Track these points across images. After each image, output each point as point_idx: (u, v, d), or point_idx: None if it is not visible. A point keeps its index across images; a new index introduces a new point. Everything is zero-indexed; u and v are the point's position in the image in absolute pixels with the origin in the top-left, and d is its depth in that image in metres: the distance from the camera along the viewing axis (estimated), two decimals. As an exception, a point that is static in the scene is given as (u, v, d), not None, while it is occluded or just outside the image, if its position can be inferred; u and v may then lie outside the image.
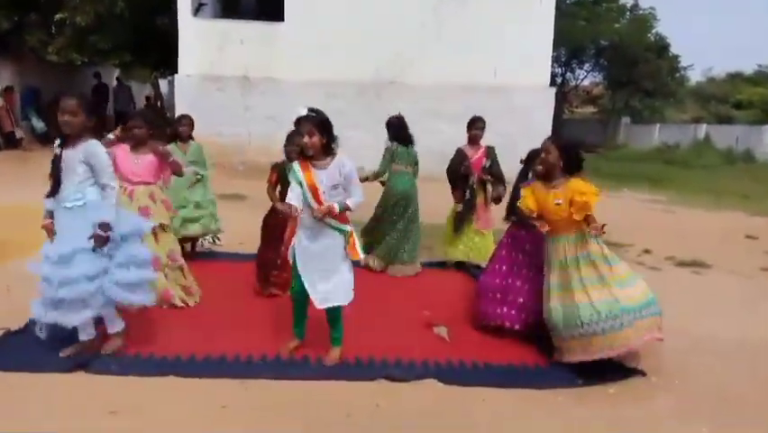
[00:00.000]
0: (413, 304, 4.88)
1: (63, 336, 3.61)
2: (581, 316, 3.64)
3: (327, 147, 3.57)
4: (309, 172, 3.56)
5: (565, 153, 3.78)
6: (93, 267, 3.38)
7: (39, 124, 14.41)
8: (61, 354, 3.55)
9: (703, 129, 22.38)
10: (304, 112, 3.52)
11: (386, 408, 3.23)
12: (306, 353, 3.79)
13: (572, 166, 3.81)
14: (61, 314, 3.40)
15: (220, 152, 10.67)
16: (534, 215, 3.89)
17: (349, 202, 3.60)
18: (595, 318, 3.61)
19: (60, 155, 3.44)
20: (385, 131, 5.97)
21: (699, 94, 31.68)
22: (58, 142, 3.50)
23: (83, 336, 3.59)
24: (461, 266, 6.09)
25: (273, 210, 4.91)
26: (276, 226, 4.71)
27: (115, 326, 3.66)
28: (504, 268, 4.37)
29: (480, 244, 5.92)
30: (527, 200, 3.91)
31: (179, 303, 4.53)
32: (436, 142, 11.61)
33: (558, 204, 3.76)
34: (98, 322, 3.62)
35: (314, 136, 3.49)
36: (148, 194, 4.46)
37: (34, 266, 3.45)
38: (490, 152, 5.90)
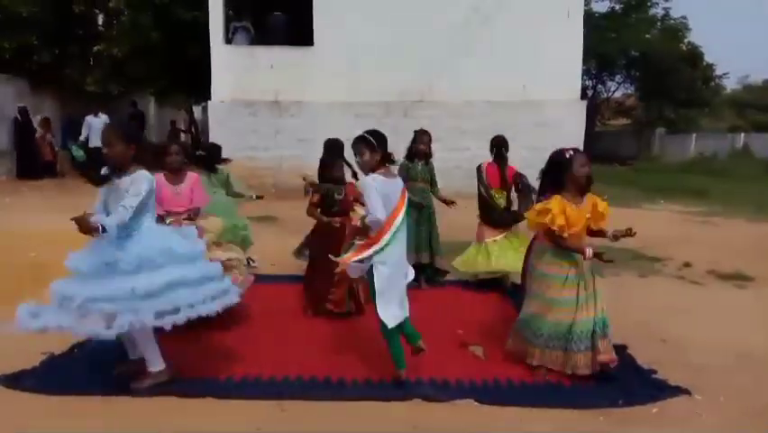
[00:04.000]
0: (446, 323, 4.84)
1: (105, 358, 3.70)
2: (583, 330, 3.66)
3: (381, 163, 3.65)
4: None
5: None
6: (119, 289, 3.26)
7: (78, 153, 14.88)
8: (116, 372, 3.65)
9: (741, 138, 21.84)
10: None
11: (423, 428, 3.21)
12: (341, 374, 3.79)
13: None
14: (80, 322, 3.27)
15: (253, 175, 10.85)
16: (566, 235, 3.66)
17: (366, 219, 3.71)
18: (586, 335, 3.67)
19: (112, 185, 3.45)
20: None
21: (735, 102, 30.96)
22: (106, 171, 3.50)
23: (132, 356, 3.69)
24: (498, 283, 5.96)
25: (318, 228, 5.13)
26: (325, 244, 4.73)
27: (154, 365, 3.58)
28: None
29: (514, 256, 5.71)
30: (559, 219, 3.62)
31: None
32: (463, 160, 11.66)
33: (588, 217, 3.72)
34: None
35: (364, 156, 3.63)
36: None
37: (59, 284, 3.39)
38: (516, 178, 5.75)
